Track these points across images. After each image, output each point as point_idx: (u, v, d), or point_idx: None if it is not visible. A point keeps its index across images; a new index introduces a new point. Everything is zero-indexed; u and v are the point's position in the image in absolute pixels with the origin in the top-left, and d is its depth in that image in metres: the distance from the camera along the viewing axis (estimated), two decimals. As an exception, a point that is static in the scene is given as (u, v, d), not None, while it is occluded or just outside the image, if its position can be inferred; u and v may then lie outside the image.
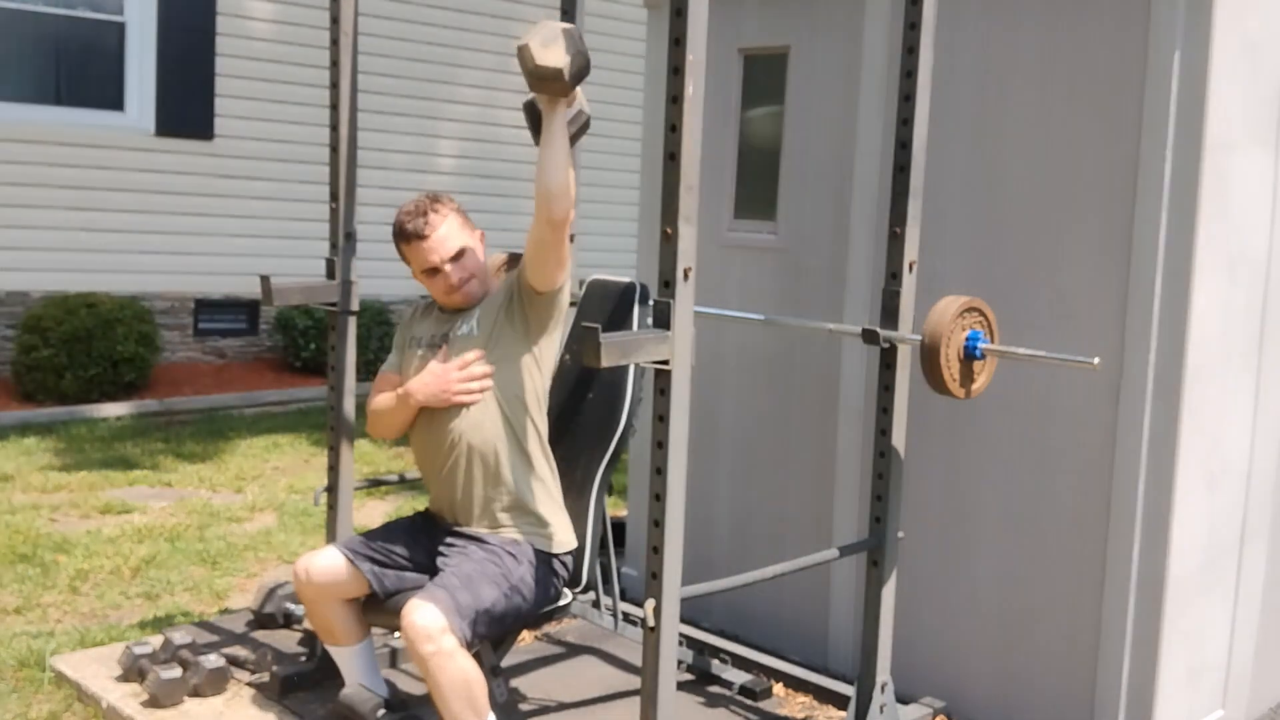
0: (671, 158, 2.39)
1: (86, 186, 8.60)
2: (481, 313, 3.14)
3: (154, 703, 3.37)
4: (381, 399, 3.21)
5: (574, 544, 3.17)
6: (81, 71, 8.71)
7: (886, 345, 3.13)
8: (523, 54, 2.77)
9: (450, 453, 3.08)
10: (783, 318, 3.86)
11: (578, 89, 2.90)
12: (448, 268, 3.11)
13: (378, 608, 3.11)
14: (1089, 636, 3.32)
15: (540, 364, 3.12)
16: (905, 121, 3.07)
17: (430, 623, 2.75)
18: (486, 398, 3.07)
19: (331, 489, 3.59)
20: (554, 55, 2.75)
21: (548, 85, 2.80)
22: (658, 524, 2.50)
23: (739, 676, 3.70)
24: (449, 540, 3.09)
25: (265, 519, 5.68)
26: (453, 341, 3.13)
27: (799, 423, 4.05)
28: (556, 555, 3.11)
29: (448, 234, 3.11)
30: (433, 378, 3.08)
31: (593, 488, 3.27)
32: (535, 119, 2.98)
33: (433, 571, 3.00)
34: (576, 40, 2.78)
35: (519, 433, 3.09)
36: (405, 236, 3.13)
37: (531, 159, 3.01)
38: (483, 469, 3.07)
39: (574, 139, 2.97)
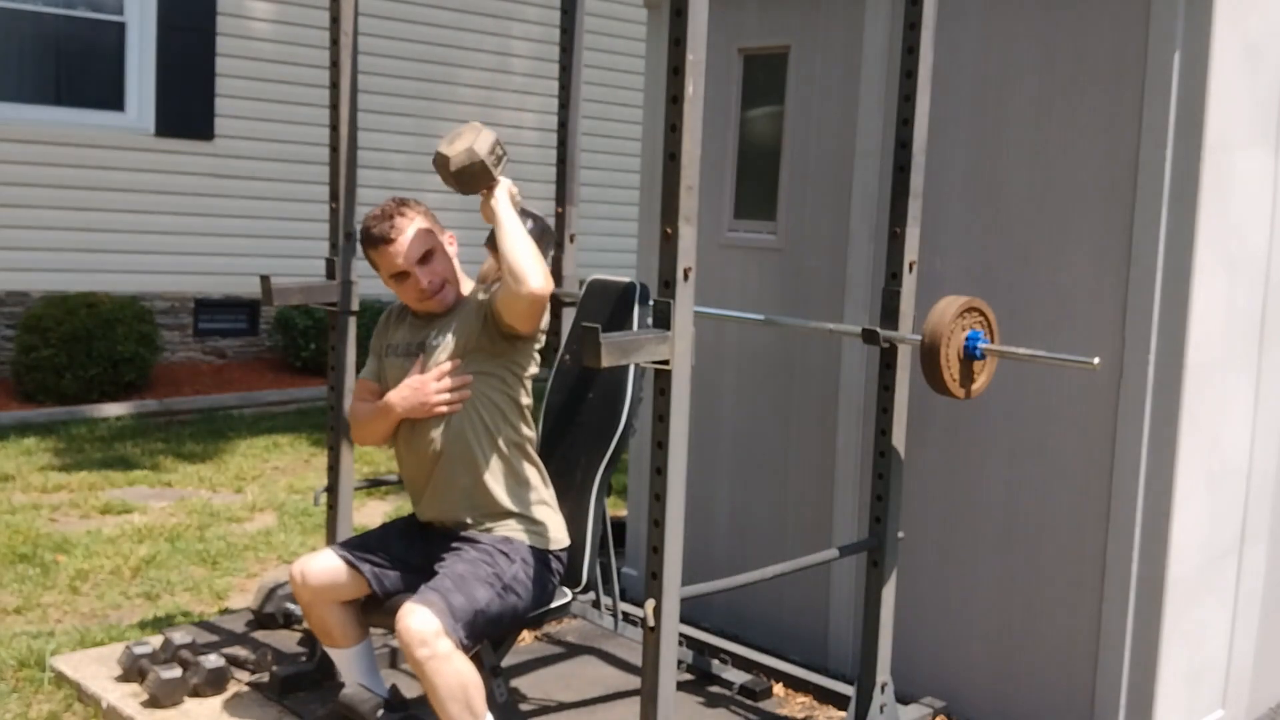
0: (671, 158, 2.39)
1: (86, 186, 8.60)
2: (457, 320, 3.11)
3: (154, 703, 3.37)
4: (362, 409, 3.19)
5: (567, 540, 3.17)
6: (81, 71, 8.71)
7: (886, 345, 3.13)
8: (439, 163, 2.95)
9: (434, 463, 3.08)
10: (783, 318, 3.85)
11: (506, 186, 3.01)
12: (416, 271, 3.07)
13: (378, 608, 3.11)
14: (1089, 637, 3.32)
15: (520, 369, 3.11)
16: (905, 121, 3.07)
17: (424, 627, 2.74)
18: (466, 406, 3.05)
19: (331, 489, 3.59)
20: (460, 144, 2.93)
21: (471, 178, 2.96)
22: (658, 524, 2.50)
23: (739, 676, 3.70)
24: (442, 542, 3.08)
25: (265, 519, 5.68)
26: (429, 350, 3.10)
27: (799, 423, 4.05)
28: (551, 552, 3.11)
29: (415, 237, 3.07)
30: (411, 390, 3.06)
31: (593, 488, 3.26)
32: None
33: (430, 573, 2.99)
34: (478, 129, 2.95)
35: (501, 438, 3.07)
36: (371, 241, 3.08)
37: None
38: (467, 476, 3.06)
39: (543, 249, 3.05)
